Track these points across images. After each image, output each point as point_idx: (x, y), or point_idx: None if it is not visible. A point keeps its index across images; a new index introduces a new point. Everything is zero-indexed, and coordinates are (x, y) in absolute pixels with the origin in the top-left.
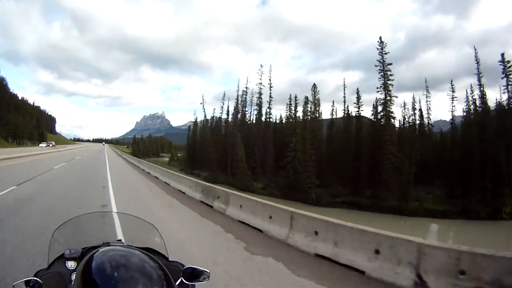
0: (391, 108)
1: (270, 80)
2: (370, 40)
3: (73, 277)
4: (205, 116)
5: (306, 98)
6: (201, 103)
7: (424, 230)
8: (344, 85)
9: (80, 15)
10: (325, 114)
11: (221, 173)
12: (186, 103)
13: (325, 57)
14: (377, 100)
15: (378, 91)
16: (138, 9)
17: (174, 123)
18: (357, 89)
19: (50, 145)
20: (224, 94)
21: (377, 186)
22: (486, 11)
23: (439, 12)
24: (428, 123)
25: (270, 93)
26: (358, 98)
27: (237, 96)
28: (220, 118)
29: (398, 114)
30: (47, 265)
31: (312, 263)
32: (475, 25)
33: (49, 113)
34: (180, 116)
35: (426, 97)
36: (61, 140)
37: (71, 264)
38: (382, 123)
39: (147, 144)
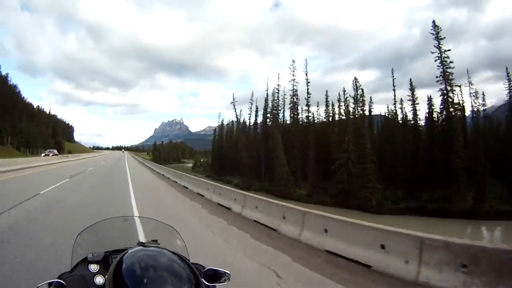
0: (453, 98)
1: (306, 75)
2: (384, 37)
3: (96, 279)
4: (236, 118)
5: (346, 93)
6: (231, 103)
7: None
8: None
9: (95, 25)
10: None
11: (254, 179)
12: (204, 108)
13: (340, 57)
14: (429, 97)
15: (438, 81)
16: (152, 17)
17: (193, 129)
18: (410, 80)
19: (50, 154)
20: (252, 94)
21: (436, 188)
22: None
23: (452, 6)
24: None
25: (308, 89)
26: (413, 91)
27: (266, 95)
28: (243, 121)
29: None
30: (70, 268)
31: None
32: (489, 16)
33: (67, 122)
34: (199, 121)
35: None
36: (79, 149)
37: (93, 267)
38: (441, 116)
39: (167, 150)
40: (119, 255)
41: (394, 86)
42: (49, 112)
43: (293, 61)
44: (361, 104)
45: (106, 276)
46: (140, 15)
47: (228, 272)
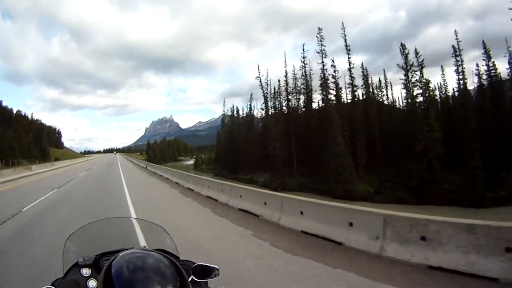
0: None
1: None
2: (370, 21)
3: (89, 283)
4: (249, 108)
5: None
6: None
7: None
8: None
9: (78, 28)
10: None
11: (284, 175)
12: (193, 104)
13: (328, 43)
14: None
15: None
16: (135, 14)
17: (183, 125)
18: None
19: None
20: (267, 85)
21: None
22: None
23: None
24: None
25: (351, 69)
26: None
27: (286, 77)
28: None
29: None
30: (62, 274)
31: None
32: None
33: (53, 127)
34: (189, 118)
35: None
36: (68, 155)
37: (85, 271)
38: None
39: (162, 148)
40: (110, 259)
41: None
42: (31, 117)
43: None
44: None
45: (90, 282)
46: (123, 14)
47: (218, 268)
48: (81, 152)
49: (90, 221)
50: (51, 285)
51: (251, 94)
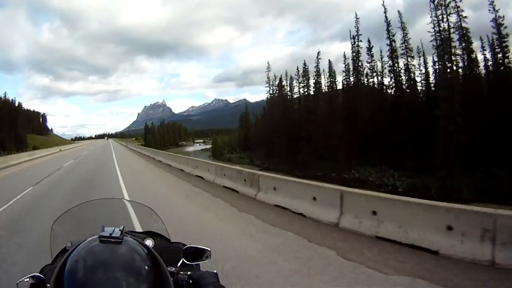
0: None
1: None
2: (367, 8)
3: None
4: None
5: None
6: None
7: None
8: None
9: (68, 13)
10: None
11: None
12: (186, 89)
13: (323, 29)
14: None
15: None
16: None
17: (176, 110)
18: None
19: None
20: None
21: None
22: None
23: None
24: None
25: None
26: None
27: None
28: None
29: None
30: (51, 260)
31: None
32: None
33: (36, 111)
34: (181, 103)
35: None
36: (53, 142)
37: None
38: None
39: (162, 133)
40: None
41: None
42: (4, 98)
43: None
44: None
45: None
46: None
47: (209, 249)
48: (71, 139)
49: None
50: (39, 273)
51: (286, 71)
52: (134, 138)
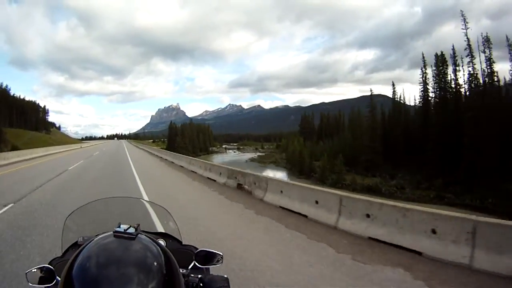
0: None
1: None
2: (386, 15)
3: None
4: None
5: None
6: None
7: None
8: None
9: (86, 12)
10: (353, 93)
11: None
12: (200, 93)
13: (340, 36)
14: None
15: None
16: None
17: (190, 114)
18: None
19: None
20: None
21: None
22: None
23: None
24: None
25: None
26: None
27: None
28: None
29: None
30: (61, 253)
31: None
32: None
33: (34, 102)
34: (195, 106)
35: None
36: (43, 141)
37: None
38: None
39: (190, 135)
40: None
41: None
42: None
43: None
44: None
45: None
46: None
47: (221, 254)
48: (82, 138)
49: None
50: (48, 264)
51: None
52: (151, 141)
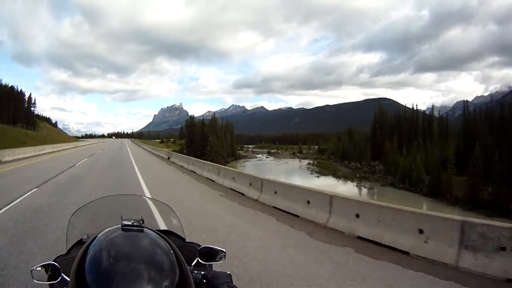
0: None
1: None
2: (393, 18)
3: None
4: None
5: None
6: None
7: None
8: None
9: (90, 8)
10: (357, 96)
11: None
12: (204, 93)
13: (347, 38)
14: None
15: None
16: None
17: (193, 114)
18: None
19: None
20: None
21: None
22: None
23: None
24: None
25: None
26: None
27: None
28: None
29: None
30: (66, 251)
31: None
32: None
33: (9, 86)
34: (198, 106)
35: None
36: (17, 140)
37: None
38: None
39: (218, 135)
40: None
41: None
42: None
43: None
44: None
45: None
46: None
47: (224, 250)
48: (81, 136)
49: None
50: (53, 261)
51: None
52: (158, 140)
